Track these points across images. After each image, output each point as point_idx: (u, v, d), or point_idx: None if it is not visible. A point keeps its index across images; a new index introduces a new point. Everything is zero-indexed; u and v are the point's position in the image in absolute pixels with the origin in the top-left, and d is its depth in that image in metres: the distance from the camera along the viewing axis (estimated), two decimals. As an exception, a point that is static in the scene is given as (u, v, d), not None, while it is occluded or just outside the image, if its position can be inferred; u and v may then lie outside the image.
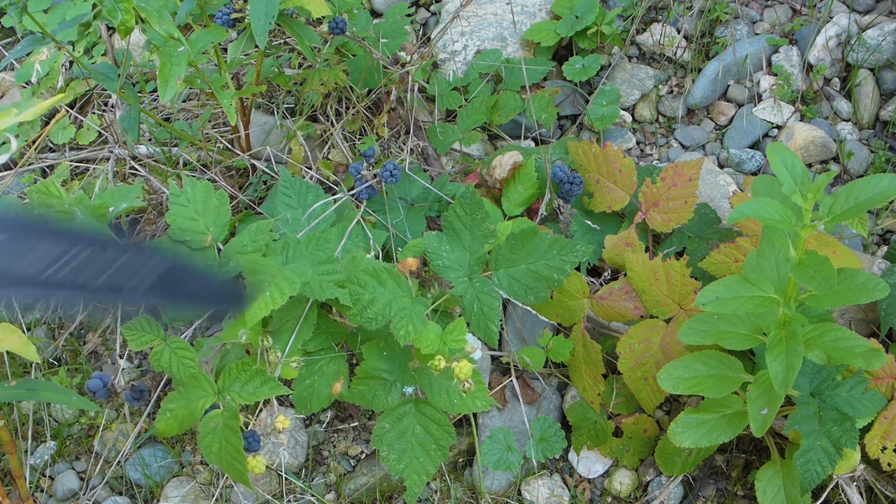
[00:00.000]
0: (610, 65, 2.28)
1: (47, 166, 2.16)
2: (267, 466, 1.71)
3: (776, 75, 2.23)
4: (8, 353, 1.89)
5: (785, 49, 2.24)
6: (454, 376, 1.45)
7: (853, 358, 1.37)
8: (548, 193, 1.89)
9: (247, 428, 1.51)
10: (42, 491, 1.83)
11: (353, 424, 1.87)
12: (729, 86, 2.27)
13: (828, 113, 2.20)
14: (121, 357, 1.93)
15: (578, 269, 1.82)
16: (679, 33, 2.31)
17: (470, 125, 2.12)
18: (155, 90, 2.28)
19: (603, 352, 1.75)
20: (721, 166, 2.15)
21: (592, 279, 1.87)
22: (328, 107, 2.14)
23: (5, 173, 2.12)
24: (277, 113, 2.15)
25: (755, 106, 2.21)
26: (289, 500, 1.77)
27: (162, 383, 1.87)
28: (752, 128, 2.19)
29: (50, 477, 1.84)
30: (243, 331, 1.53)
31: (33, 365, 1.90)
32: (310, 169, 2.04)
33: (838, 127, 2.17)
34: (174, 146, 2.09)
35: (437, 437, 1.61)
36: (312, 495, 1.78)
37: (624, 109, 2.26)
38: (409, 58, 2.01)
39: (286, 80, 2.07)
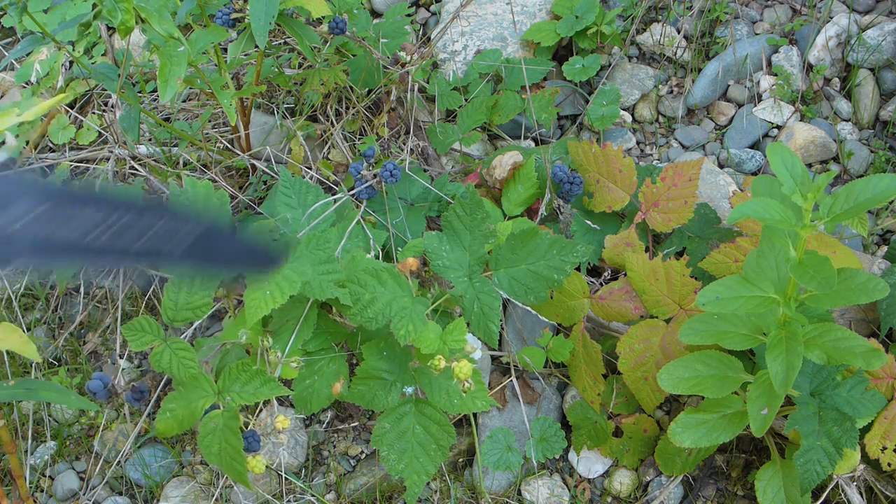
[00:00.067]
0: (610, 65, 2.28)
1: (47, 166, 2.16)
2: (267, 466, 1.71)
3: (776, 75, 2.23)
4: (8, 352, 1.90)
5: (785, 49, 2.24)
6: (454, 376, 1.45)
7: (853, 358, 1.37)
8: (548, 193, 1.89)
9: (247, 428, 1.51)
10: (42, 491, 1.83)
11: (353, 424, 1.87)
12: (729, 86, 2.27)
13: (828, 113, 2.20)
14: (121, 357, 1.93)
15: (578, 269, 1.82)
16: (679, 33, 2.31)
17: (470, 125, 2.12)
18: (155, 90, 2.28)
19: (603, 352, 1.75)
20: (721, 166, 2.15)
21: (592, 279, 1.87)
22: (328, 107, 2.14)
23: (5, 173, 2.12)
24: (277, 113, 2.15)
25: (755, 106, 2.21)
26: (289, 500, 1.77)
27: (162, 383, 1.87)
28: (752, 128, 2.19)
29: (50, 477, 1.84)
30: (243, 331, 1.53)
31: (33, 365, 1.90)
32: (310, 169, 2.04)
33: (838, 127, 2.17)
34: (174, 146, 2.09)
35: (437, 437, 1.61)
36: (312, 495, 1.78)
37: (624, 109, 2.26)
38: (409, 58, 2.01)
39: (286, 80, 2.07)
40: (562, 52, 2.32)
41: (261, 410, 1.64)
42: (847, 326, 1.75)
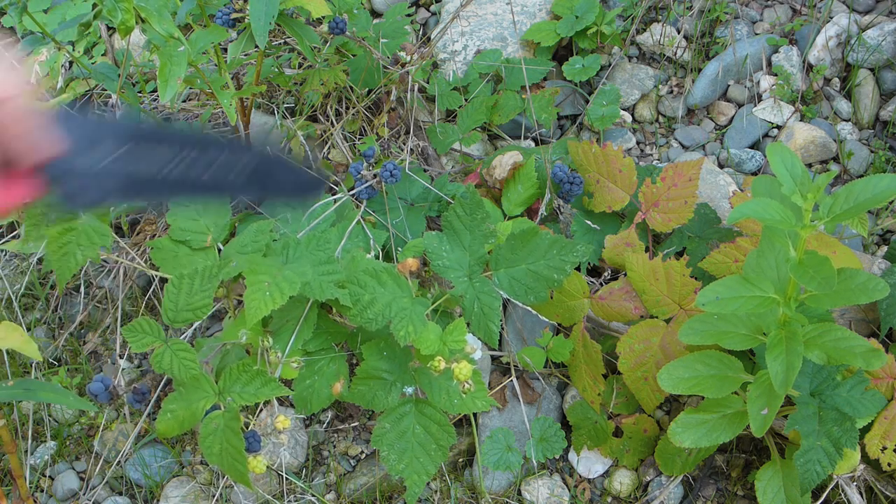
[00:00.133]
0: (610, 65, 2.28)
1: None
2: (267, 466, 1.71)
3: (776, 75, 2.23)
4: (8, 352, 1.90)
5: (785, 49, 2.24)
6: (454, 377, 1.45)
7: (853, 358, 1.38)
8: (548, 193, 1.89)
9: (247, 428, 1.51)
10: (42, 491, 1.83)
11: (353, 424, 1.87)
12: (729, 86, 2.27)
13: (828, 113, 2.20)
14: (121, 357, 1.93)
15: (578, 269, 1.82)
16: (679, 33, 2.31)
17: (470, 125, 2.12)
18: (155, 90, 2.28)
19: (603, 352, 1.75)
20: (721, 166, 2.15)
21: (592, 279, 1.87)
22: (328, 107, 2.14)
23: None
24: (277, 113, 2.15)
25: (755, 106, 2.22)
26: (289, 500, 1.77)
27: (162, 383, 1.87)
28: (752, 128, 2.19)
29: (50, 477, 1.84)
30: (243, 331, 1.53)
31: (33, 365, 1.90)
32: (310, 169, 2.04)
33: (838, 127, 2.17)
34: (174, 146, 2.09)
35: (437, 437, 1.61)
36: (312, 495, 1.78)
37: (624, 109, 2.26)
38: (409, 58, 2.01)
39: (286, 80, 2.07)
40: (562, 52, 2.32)
41: (261, 410, 1.64)
42: (847, 326, 1.75)
